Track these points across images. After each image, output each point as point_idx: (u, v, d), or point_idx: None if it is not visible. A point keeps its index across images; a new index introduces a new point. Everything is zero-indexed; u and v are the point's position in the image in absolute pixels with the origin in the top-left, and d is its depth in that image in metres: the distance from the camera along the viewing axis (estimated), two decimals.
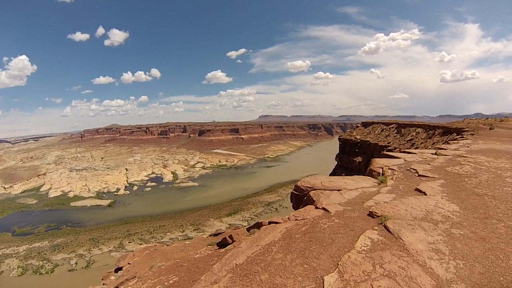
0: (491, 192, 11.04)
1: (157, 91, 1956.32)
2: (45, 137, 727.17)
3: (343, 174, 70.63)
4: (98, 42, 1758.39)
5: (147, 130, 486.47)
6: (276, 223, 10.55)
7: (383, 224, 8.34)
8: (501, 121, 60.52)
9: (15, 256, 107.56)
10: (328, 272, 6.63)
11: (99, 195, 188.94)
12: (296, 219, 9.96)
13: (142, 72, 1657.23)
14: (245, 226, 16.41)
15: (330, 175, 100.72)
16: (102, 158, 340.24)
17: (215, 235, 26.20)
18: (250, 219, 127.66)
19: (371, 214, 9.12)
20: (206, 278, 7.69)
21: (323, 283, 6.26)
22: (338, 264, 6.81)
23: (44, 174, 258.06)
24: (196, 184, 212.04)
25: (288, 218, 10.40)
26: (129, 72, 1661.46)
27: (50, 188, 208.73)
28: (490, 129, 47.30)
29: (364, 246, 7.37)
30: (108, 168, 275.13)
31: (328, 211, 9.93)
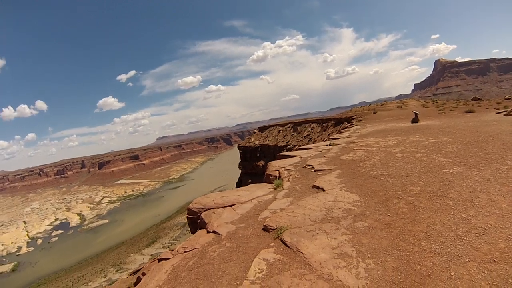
0: (386, 171, 10.81)
1: (46, 126, 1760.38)
2: None
3: (250, 180, 71.49)
4: None
5: (41, 172, 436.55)
6: (166, 259, 8.74)
7: (279, 237, 7.00)
8: (381, 105, 66.93)
9: None
10: None
11: None
12: (185, 251, 8.21)
13: (26, 106, 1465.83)
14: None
15: (237, 183, 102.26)
16: None
17: (135, 272, 24.28)
18: (170, 244, 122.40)
19: (266, 228, 7.75)
20: None
21: None
22: None
23: None
24: (107, 221, 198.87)
25: (177, 251, 8.62)
26: (9, 107, 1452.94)
27: None
28: (374, 113, 51.90)
29: (259, 272, 5.86)
30: (1, 225, 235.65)
31: (219, 234, 8.38)
